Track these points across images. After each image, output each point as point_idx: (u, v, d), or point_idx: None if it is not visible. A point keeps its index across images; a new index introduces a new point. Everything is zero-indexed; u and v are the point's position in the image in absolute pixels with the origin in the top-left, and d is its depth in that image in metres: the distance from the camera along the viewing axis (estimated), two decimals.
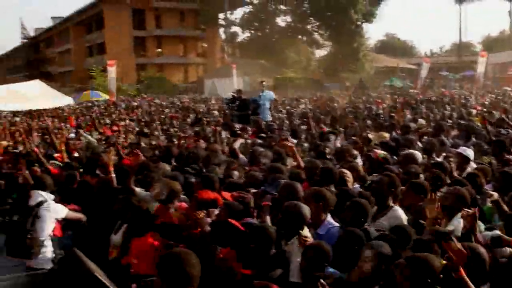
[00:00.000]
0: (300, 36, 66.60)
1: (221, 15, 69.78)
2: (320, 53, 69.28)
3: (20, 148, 10.79)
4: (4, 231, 6.37)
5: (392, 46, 78.44)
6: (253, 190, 5.61)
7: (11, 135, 13.09)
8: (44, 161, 8.35)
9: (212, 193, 5.32)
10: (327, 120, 13.00)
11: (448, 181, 5.70)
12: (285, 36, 64.48)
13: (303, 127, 11.86)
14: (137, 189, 6.18)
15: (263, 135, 10.44)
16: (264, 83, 14.99)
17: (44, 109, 24.66)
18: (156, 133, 11.95)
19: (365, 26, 61.93)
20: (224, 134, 11.06)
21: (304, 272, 3.99)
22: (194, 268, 3.26)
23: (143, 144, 10.18)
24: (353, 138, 9.08)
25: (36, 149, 8.94)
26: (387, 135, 9.75)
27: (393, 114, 13.64)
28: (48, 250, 5.75)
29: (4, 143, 11.17)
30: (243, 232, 4.46)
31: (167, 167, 7.21)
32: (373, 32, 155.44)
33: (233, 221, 4.57)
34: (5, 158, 9.91)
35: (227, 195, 5.30)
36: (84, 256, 4.67)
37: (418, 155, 7.37)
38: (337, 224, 4.78)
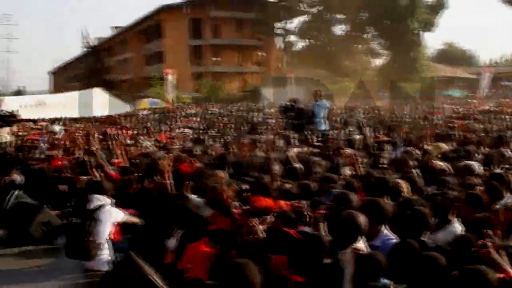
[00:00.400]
0: (357, 45, 66.07)
1: (278, 24, 70.04)
2: (376, 62, 68.46)
3: (80, 153, 11.13)
4: (65, 233, 6.59)
5: (451, 55, 76.70)
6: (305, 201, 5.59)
7: (72, 140, 13.50)
8: (104, 164, 8.57)
9: (266, 200, 5.34)
10: (384, 130, 12.86)
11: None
12: (341, 45, 64.12)
13: (359, 136, 11.75)
14: (191, 196, 6.27)
15: (318, 144, 10.43)
16: (319, 92, 14.92)
17: (103, 116, 25.37)
18: (211, 141, 12.06)
19: (424, 34, 60.88)
20: (279, 142, 11.09)
21: (356, 282, 3.96)
22: (255, 274, 3.31)
23: (198, 152, 10.30)
24: (409, 148, 8.95)
25: (97, 152, 9.21)
26: (445, 146, 9.57)
27: (451, 125, 13.38)
28: (106, 253, 5.90)
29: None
30: (298, 241, 4.46)
31: (223, 174, 7.25)
32: (432, 41, 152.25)
33: (288, 230, 4.58)
34: (66, 163, 10.23)
35: (282, 203, 5.32)
36: (140, 260, 4.77)
37: (475, 166, 7.20)
38: (393, 237, 4.70)
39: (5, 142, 11.65)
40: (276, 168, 7.10)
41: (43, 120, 25.40)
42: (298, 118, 14.43)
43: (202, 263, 4.90)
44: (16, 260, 6.47)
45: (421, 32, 59.39)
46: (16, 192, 8.52)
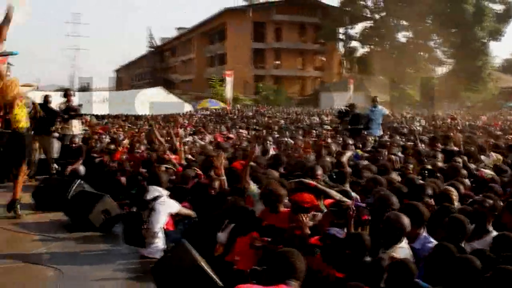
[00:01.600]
0: (420, 53, 64.85)
1: (341, 30, 69.64)
2: (440, 70, 66.96)
3: (142, 148, 11.57)
4: (123, 222, 6.94)
5: None
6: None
7: (134, 136, 14.01)
8: (170, 159, 8.95)
9: (309, 196, 5.48)
10: (441, 139, 12.70)
11: None
12: (405, 52, 63.11)
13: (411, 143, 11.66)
14: (252, 186, 6.50)
15: (371, 149, 10.47)
16: (377, 98, 14.93)
17: (164, 114, 25.94)
18: (269, 141, 12.22)
19: (491, 44, 59.20)
20: (334, 146, 11.17)
21: (388, 286, 4.06)
22: (300, 261, 3.49)
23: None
24: (463, 157, 8.87)
25: (164, 147, 9.65)
26: (500, 157, 9.45)
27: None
28: (160, 241, 6.18)
29: (126, 142, 11.95)
30: (340, 239, 4.60)
31: (276, 174, 7.45)
32: (498, 51, 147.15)
33: (313, 240, 4.73)
34: (128, 157, 10.68)
35: (327, 202, 5.48)
36: (192, 248, 5.04)
37: None
38: (433, 240, 4.78)
39: (71, 134, 12.18)
40: (319, 172, 7.23)
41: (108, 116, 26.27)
42: (354, 123, 14.47)
43: (250, 255, 5.11)
44: (77, 244, 6.83)
45: (487, 41, 57.75)
46: (78, 182, 8.99)
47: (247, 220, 5.63)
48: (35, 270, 5.74)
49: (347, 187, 6.61)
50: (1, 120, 11.24)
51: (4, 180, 9.21)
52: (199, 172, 7.93)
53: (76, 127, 12.53)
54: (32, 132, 9.47)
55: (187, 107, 29.73)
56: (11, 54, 10.06)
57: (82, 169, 11.33)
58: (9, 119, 9.35)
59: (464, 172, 7.50)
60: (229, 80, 37.28)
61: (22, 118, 8.12)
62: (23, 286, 5.34)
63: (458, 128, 17.30)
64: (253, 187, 6.45)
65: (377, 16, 67.23)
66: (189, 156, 9.79)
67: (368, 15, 67.97)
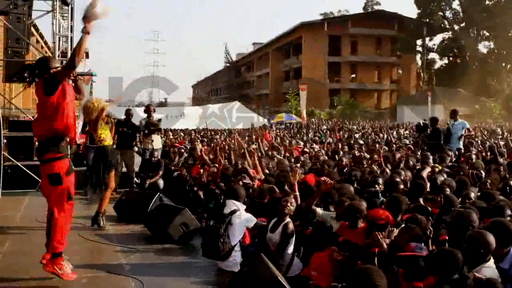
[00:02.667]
0: (503, 64, 62.59)
1: (418, 41, 68.37)
2: None
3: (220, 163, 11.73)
4: (201, 235, 7.07)
5: None
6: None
7: (213, 151, 14.23)
8: (248, 173, 9.08)
9: (383, 212, 5.42)
10: None
11: None
12: (486, 63, 61.15)
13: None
14: (318, 210, 6.50)
15: (452, 164, 10.20)
16: (457, 111, 14.50)
17: (241, 128, 26.26)
18: (342, 156, 12.12)
19: None
20: (413, 161, 10.97)
21: None
22: (381, 279, 3.46)
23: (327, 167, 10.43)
24: None
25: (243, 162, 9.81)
26: None
27: None
28: (237, 255, 6.26)
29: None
30: (415, 257, 4.51)
31: (351, 189, 7.39)
32: None
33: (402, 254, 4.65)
34: (205, 171, 10.87)
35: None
36: (269, 262, 5.08)
37: None
38: None
39: (151, 149, 12.53)
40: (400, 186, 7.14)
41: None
42: (433, 137, 14.13)
43: (326, 270, 5.09)
44: (157, 256, 7.00)
45: None
46: (158, 195, 9.25)
47: (323, 235, 5.62)
48: (118, 281, 5.93)
49: (420, 201, 6.50)
50: (86, 136, 11.79)
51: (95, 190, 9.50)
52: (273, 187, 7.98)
53: (156, 142, 12.90)
54: (114, 146, 9.83)
55: (263, 121, 30.00)
56: (90, 75, 10.54)
57: (161, 182, 11.65)
58: (93, 135, 9.79)
59: None
60: (303, 94, 37.32)
61: (106, 136, 8.48)
62: None
63: None
64: (319, 211, 6.46)
65: (456, 27, 65.60)
66: (266, 171, 9.85)
67: (447, 26, 66.38)
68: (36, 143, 6.90)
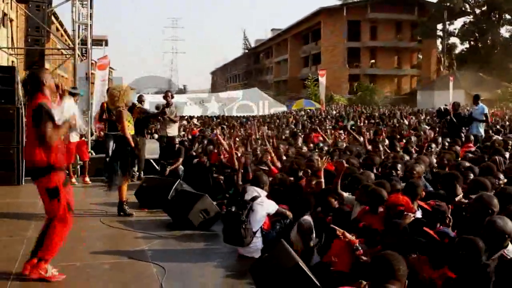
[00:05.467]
0: None
1: (439, 26, 67.49)
2: None
3: (241, 150, 11.74)
4: (222, 221, 7.09)
5: None
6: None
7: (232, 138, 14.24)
8: (268, 160, 9.09)
9: (403, 198, 5.39)
10: None
11: None
12: (508, 47, 60.20)
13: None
14: (345, 194, 6.49)
15: (474, 149, 10.10)
16: (478, 96, 14.34)
17: (260, 115, 26.21)
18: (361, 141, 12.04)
19: None
20: (432, 146, 10.88)
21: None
22: (401, 264, 3.42)
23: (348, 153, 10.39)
24: None
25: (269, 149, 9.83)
26: None
27: None
28: (259, 241, 6.26)
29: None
30: (437, 241, 4.48)
31: (371, 175, 7.35)
32: None
33: (428, 230, 4.61)
34: (227, 158, 10.89)
35: (421, 203, 5.37)
36: (290, 248, 5.08)
37: None
38: None
39: (170, 136, 12.53)
40: (417, 169, 7.09)
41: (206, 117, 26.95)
42: (454, 122, 13.99)
43: (346, 256, 5.08)
44: (178, 242, 7.03)
45: None
46: (178, 182, 9.28)
47: (342, 221, 5.62)
48: (140, 267, 5.97)
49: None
50: (104, 123, 11.82)
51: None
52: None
53: (172, 129, 12.89)
54: None
55: (283, 108, 29.89)
56: (77, 94, 10.72)
57: (181, 169, 11.69)
58: (113, 121, 9.82)
59: None
60: (322, 80, 37.09)
61: (130, 125, 8.51)
62: (129, 282, 5.57)
63: None
64: (346, 195, 6.45)
65: (477, 11, 64.58)
66: (284, 158, 9.84)
67: (468, 10, 65.39)
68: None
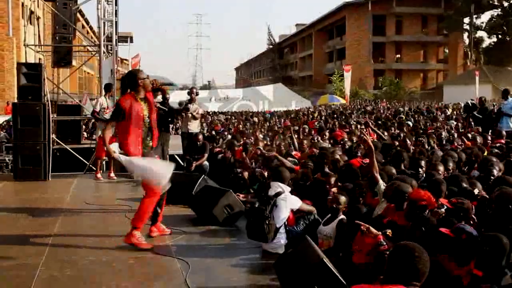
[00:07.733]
0: None
1: (466, 19, 66.53)
2: None
3: (261, 145, 11.74)
4: (246, 217, 7.10)
5: None
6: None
7: (253, 134, 14.26)
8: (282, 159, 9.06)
9: (425, 193, 5.33)
10: None
11: None
12: None
13: None
14: (381, 182, 6.47)
15: (500, 144, 9.94)
16: (508, 90, 14.10)
17: (285, 110, 26.23)
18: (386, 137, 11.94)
19: None
20: (459, 142, 10.79)
21: None
22: (423, 259, 3.35)
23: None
24: None
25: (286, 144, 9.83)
26: None
27: None
28: (282, 237, 6.24)
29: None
30: (452, 239, 4.42)
31: (393, 170, 7.29)
32: None
33: (443, 229, 4.55)
34: (250, 155, 10.92)
35: (444, 201, 5.30)
36: (315, 244, 5.06)
37: None
38: None
39: (195, 132, 12.55)
40: (441, 168, 7.02)
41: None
42: (482, 117, 13.82)
43: (367, 249, 5.04)
44: (202, 238, 7.06)
45: None
46: (203, 177, 9.32)
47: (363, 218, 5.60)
48: (164, 261, 6.01)
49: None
50: None
51: None
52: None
53: (193, 125, 12.87)
54: None
55: (307, 103, 29.85)
56: (170, 84, 10.83)
57: (206, 165, 11.72)
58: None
59: None
60: (347, 75, 36.90)
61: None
62: (153, 277, 5.60)
63: None
64: (381, 183, 6.40)
65: (505, 4, 63.46)
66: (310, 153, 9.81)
67: (495, 3, 64.30)
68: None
